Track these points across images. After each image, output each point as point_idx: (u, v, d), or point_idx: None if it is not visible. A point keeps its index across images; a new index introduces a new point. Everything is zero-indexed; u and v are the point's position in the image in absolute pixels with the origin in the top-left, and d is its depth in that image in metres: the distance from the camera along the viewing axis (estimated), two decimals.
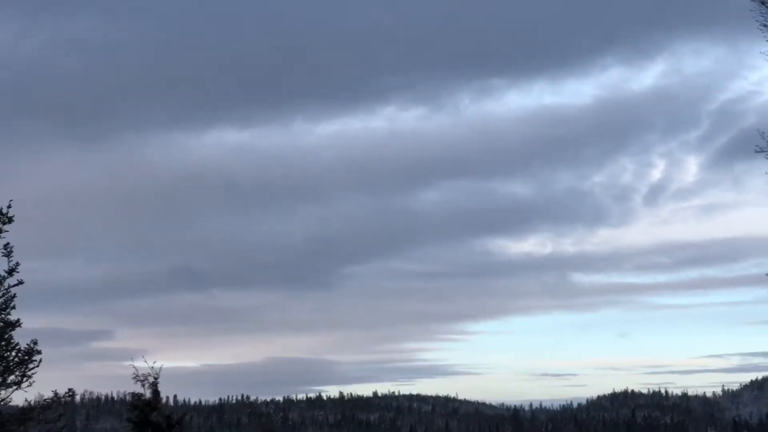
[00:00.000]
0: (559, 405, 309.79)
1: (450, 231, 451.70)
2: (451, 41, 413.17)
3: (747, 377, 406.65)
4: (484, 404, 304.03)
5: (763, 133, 17.10)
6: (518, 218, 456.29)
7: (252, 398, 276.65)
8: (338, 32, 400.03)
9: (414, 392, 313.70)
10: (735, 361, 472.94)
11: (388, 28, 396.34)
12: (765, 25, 16.92)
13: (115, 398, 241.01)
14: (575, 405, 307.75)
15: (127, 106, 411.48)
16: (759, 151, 17.20)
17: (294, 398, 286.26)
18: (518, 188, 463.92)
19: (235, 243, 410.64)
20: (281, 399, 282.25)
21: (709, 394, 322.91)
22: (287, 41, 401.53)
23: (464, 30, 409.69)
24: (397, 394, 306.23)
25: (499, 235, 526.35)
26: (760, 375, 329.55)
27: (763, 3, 16.89)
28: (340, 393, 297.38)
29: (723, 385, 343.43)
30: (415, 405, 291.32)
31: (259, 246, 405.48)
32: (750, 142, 16.99)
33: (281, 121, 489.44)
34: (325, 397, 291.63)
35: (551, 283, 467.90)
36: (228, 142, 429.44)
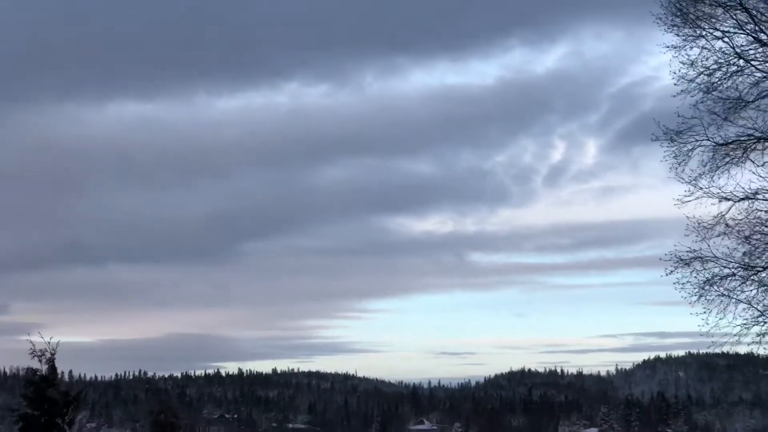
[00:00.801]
0: (458, 383, 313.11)
1: (352, 209, 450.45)
2: (355, 18, 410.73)
3: (640, 357, 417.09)
4: (383, 382, 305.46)
5: (659, 121, 17.12)
6: (420, 197, 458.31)
7: (149, 374, 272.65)
8: (243, 6, 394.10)
9: (313, 369, 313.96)
10: (628, 341, 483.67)
11: (292, 3, 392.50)
12: (660, 19, 17.28)
13: (8, 373, 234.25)
14: (473, 383, 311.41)
15: (17, 77, 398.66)
16: (655, 140, 17.26)
17: (192, 374, 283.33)
18: (421, 167, 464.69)
19: (133, 217, 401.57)
20: (179, 375, 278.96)
21: (603, 373, 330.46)
22: (190, 13, 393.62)
23: (368, 7, 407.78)
24: (296, 371, 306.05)
25: (401, 213, 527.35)
26: (652, 354, 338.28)
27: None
28: (239, 369, 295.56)
29: (617, 365, 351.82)
30: (314, 382, 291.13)
31: (157, 221, 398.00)
32: (648, 126, 17.02)
33: (183, 95, 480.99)
34: (223, 374, 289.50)
35: (451, 262, 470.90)
36: (128, 115, 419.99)
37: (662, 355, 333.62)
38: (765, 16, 16.57)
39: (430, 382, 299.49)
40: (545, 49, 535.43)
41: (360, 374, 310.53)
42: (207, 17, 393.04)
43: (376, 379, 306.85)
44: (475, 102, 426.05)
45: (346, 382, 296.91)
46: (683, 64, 16.99)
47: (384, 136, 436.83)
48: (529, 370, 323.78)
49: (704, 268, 16.44)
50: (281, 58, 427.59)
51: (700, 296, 16.39)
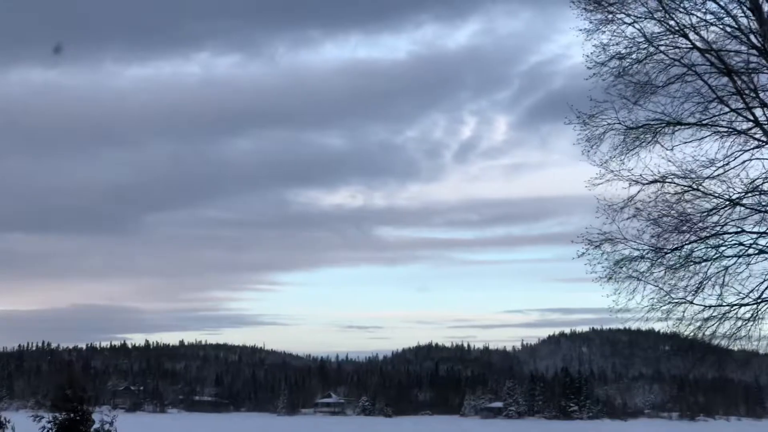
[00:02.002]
0: (365, 357, 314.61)
1: (262, 181, 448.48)
2: None
3: (545, 332, 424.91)
4: (290, 355, 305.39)
5: (572, 105, 17.27)
6: (330, 170, 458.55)
7: (53, 345, 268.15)
8: None
9: (221, 342, 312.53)
10: (534, 317, 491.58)
11: None
12: (573, 2, 17.38)
13: None
14: (381, 357, 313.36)
15: None
16: (568, 124, 17.41)
17: (97, 346, 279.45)
18: (332, 140, 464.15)
19: (32, 186, 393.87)
20: (84, 347, 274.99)
21: (509, 348, 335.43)
22: None
23: None
24: (203, 343, 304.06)
25: (311, 186, 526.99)
26: (556, 330, 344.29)
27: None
28: (146, 341, 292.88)
29: (522, 340, 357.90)
30: (221, 355, 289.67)
31: (60, 190, 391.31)
32: (557, 104, 17.22)
33: (90, 62, 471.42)
34: (129, 346, 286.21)
35: (361, 236, 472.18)
36: (32, 81, 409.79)
37: (567, 330, 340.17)
38: (675, 3, 16.95)
39: (337, 356, 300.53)
40: (457, 25, 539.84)
41: (268, 347, 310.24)
42: None
43: (284, 352, 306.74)
44: (387, 76, 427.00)
45: (253, 354, 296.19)
46: (595, 47, 17.28)
47: (295, 109, 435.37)
48: (437, 344, 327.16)
49: (614, 250, 16.79)
50: (192, 28, 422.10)
51: (610, 278, 16.74)
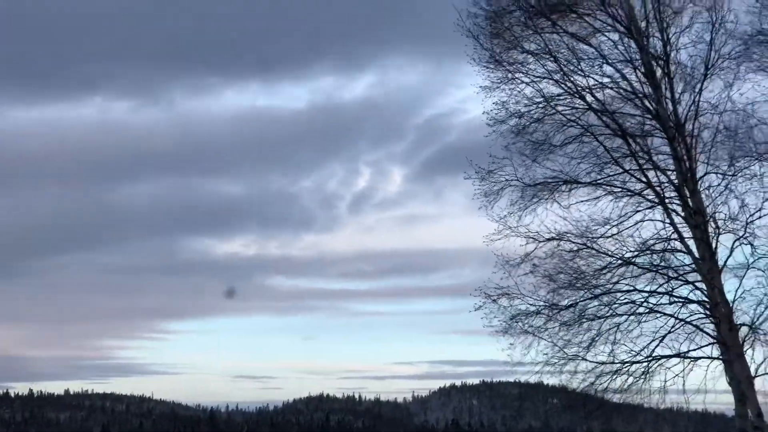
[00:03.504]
0: (256, 407, 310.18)
1: (156, 227, 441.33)
2: (165, 35, 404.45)
3: (436, 384, 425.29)
4: (180, 405, 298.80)
5: (471, 160, 17.59)
6: (226, 218, 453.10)
7: None
8: (48, 16, 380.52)
9: (108, 391, 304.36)
10: (425, 369, 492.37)
11: (100, 16, 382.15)
12: (474, 60, 17.81)
13: None
14: (271, 407, 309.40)
15: None
16: (467, 178, 17.72)
17: None
18: (228, 188, 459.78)
19: None
20: None
21: (400, 400, 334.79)
22: None
23: (180, 25, 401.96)
24: (90, 392, 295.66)
25: (206, 234, 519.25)
26: (447, 382, 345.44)
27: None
28: (30, 390, 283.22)
29: (413, 392, 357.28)
30: (108, 404, 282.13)
31: None
32: (452, 157, 17.59)
33: None
34: (12, 394, 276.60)
35: (254, 285, 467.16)
36: None
37: (457, 383, 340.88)
38: (572, 65, 17.40)
39: (227, 406, 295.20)
40: (355, 77, 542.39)
41: (156, 396, 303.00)
42: (9, 20, 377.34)
43: (173, 402, 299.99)
44: (285, 125, 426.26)
45: (141, 404, 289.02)
46: (495, 105, 17.59)
47: (192, 155, 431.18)
48: (328, 395, 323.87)
49: (511, 305, 16.99)
50: (87, 70, 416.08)
51: (506, 332, 16.91)
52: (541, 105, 17.47)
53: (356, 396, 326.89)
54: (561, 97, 17.43)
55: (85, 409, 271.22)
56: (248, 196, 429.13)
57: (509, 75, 17.68)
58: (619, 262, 16.78)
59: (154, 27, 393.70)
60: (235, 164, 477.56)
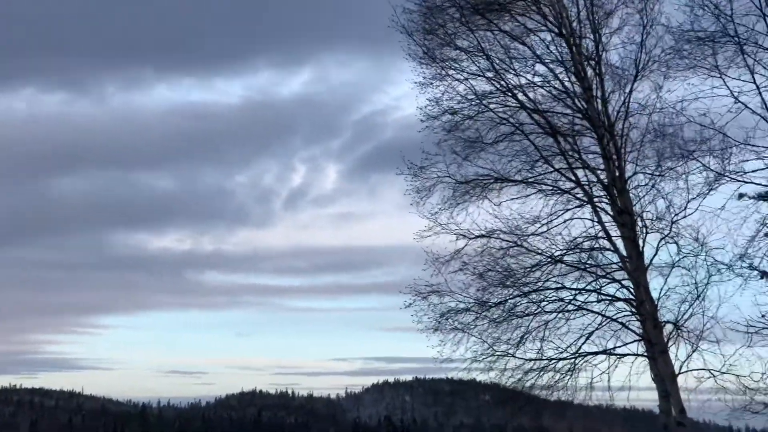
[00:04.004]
0: (188, 403, 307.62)
1: (88, 221, 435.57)
2: (97, 28, 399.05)
3: (369, 381, 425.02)
4: (110, 400, 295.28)
5: (404, 156, 17.59)
6: (159, 213, 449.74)
7: None
8: None
9: (37, 386, 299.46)
10: (358, 365, 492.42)
11: (30, 8, 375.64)
12: (410, 55, 17.78)
13: None
14: (203, 403, 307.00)
15: None
16: (399, 174, 17.72)
17: None
18: (162, 183, 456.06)
19: None
20: None
21: (333, 396, 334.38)
22: None
23: (112, 18, 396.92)
24: (18, 387, 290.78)
25: (139, 228, 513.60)
26: (380, 379, 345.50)
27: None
28: None
29: (346, 388, 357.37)
30: (37, 400, 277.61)
31: None
32: (387, 155, 17.54)
33: None
34: None
35: (188, 281, 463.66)
36: None
37: (390, 379, 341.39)
38: (505, 64, 17.48)
39: (159, 402, 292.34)
40: (292, 72, 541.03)
41: (87, 392, 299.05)
42: None
43: (104, 398, 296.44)
44: (220, 120, 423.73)
45: (71, 399, 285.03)
46: (429, 101, 17.59)
47: (125, 149, 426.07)
48: (260, 391, 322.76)
49: (441, 302, 16.99)
50: (18, 63, 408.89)
51: (436, 329, 16.90)
52: (474, 102, 17.51)
53: (289, 392, 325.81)
54: (493, 95, 17.50)
55: (13, 404, 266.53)
56: (182, 191, 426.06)
57: (442, 72, 17.71)
58: (549, 260, 16.90)
59: (86, 20, 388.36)
60: (169, 159, 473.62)
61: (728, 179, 15.27)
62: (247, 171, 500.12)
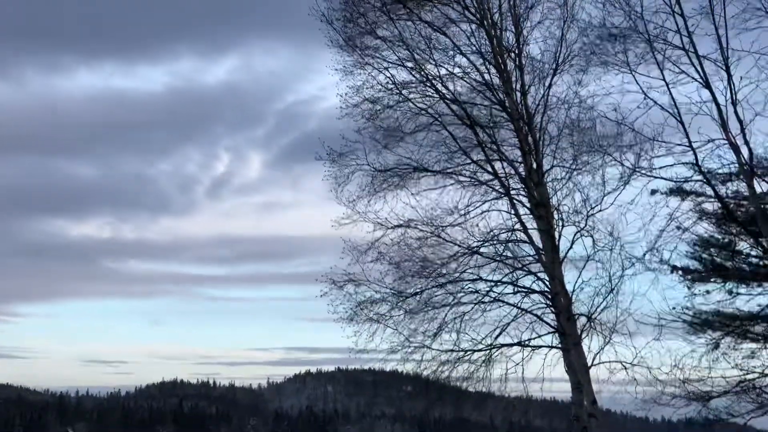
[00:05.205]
0: (107, 392, 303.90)
1: (4, 207, 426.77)
2: (16, 9, 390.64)
3: (291, 371, 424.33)
4: (27, 390, 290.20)
5: (324, 141, 17.52)
6: (79, 200, 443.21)
7: None
8: None
9: None
10: (280, 355, 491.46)
11: None
12: (332, 42, 17.73)
13: None
14: (123, 393, 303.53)
15: None
16: (318, 159, 17.61)
17: None
18: (82, 169, 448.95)
19: None
20: None
21: (254, 386, 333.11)
22: None
23: (36, 1, 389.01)
24: None
25: (58, 215, 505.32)
26: (302, 369, 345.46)
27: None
28: None
29: (268, 378, 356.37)
30: None
31: None
32: (311, 145, 17.56)
33: None
34: None
35: (108, 269, 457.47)
36: None
37: (313, 369, 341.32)
38: (426, 54, 17.44)
39: (78, 391, 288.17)
40: (216, 60, 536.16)
41: (2, 381, 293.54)
42: None
43: (20, 387, 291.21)
44: (142, 107, 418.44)
45: None
46: (350, 88, 17.48)
47: (44, 134, 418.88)
48: (182, 381, 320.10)
49: (357, 292, 16.88)
50: None
51: (352, 319, 16.79)
52: (394, 92, 17.44)
53: (210, 382, 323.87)
54: (413, 85, 17.45)
55: None
56: (103, 177, 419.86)
57: (363, 60, 17.62)
58: (466, 251, 16.91)
59: (5, 2, 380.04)
60: (90, 145, 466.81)
61: (640, 174, 15.45)
62: (169, 159, 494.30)
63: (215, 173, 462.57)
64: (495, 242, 16.93)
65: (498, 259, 16.88)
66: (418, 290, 16.79)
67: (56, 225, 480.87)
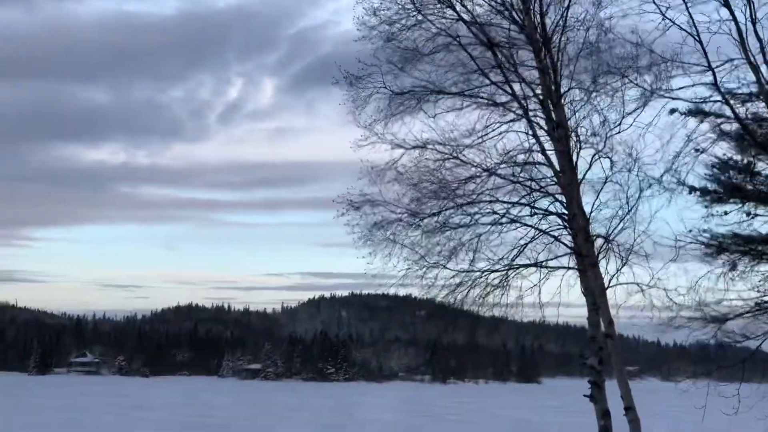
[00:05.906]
0: (123, 316, 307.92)
1: (19, 133, 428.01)
2: None
3: (305, 296, 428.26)
4: (45, 313, 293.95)
5: (340, 66, 17.22)
6: (93, 126, 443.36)
7: None
8: None
9: None
10: (295, 280, 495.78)
11: None
12: None
13: None
14: (139, 317, 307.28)
15: None
16: (335, 83, 17.31)
17: None
18: (96, 94, 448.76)
19: None
20: None
21: (269, 311, 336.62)
22: None
23: None
24: None
25: (72, 141, 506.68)
26: (317, 294, 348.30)
27: None
28: None
29: (283, 303, 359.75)
30: None
31: None
32: (324, 70, 17.27)
33: None
34: None
35: (123, 194, 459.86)
36: None
37: (327, 294, 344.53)
38: None
39: (94, 315, 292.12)
40: None
41: (20, 304, 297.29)
42: None
43: (38, 310, 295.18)
44: (154, 32, 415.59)
45: (4, 312, 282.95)
46: (366, 10, 17.31)
47: (57, 60, 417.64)
48: (197, 305, 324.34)
49: (373, 212, 16.94)
50: None
51: (368, 239, 16.89)
52: (411, 13, 17.28)
53: (225, 306, 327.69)
54: (431, 6, 17.28)
55: None
56: (116, 103, 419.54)
57: None
58: (483, 172, 16.91)
59: None
60: (103, 71, 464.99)
61: (658, 95, 15.34)
62: (182, 85, 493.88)
63: (228, 99, 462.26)
64: (512, 164, 16.92)
65: (515, 180, 16.89)
66: (435, 211, 16.86)
67: (70, 150, 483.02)
